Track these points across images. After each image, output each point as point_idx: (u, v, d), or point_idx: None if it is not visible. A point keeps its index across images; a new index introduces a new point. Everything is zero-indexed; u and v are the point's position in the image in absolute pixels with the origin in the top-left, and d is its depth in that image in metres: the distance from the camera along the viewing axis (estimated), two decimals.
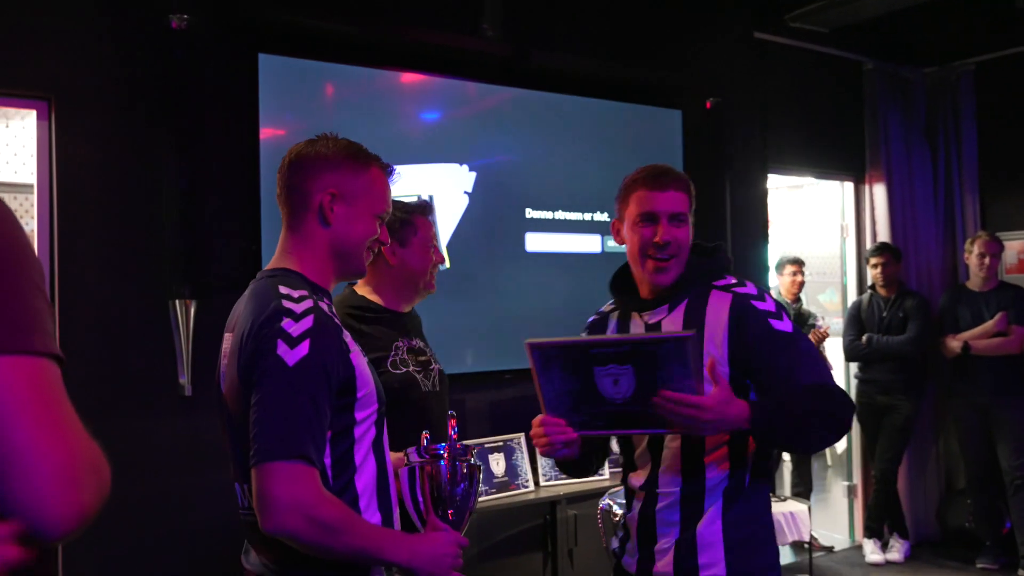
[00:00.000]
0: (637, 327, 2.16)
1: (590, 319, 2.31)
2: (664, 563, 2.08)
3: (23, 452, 0.91)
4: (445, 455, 1.88)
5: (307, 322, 1.65)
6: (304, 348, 1.64)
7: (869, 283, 5.40)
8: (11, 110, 4.43)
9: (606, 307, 2.29)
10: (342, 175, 1.82)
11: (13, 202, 5.11)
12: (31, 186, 3.47)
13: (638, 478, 2.14)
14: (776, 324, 2.07)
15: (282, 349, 1.63)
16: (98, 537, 3.26)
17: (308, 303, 1.69)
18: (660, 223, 2.10)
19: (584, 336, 2.23)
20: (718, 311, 2.08)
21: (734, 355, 2.06)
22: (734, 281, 2.16)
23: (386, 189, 1.87)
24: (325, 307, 1.74)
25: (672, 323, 2.10)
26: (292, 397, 1.62)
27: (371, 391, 1.78)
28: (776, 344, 2.05)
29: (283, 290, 1.71)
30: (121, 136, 3.47)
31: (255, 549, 1.78)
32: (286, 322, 1.65)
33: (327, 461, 1.70)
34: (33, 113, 3.51)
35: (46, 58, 3.36)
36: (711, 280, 2.16)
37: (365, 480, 1.77)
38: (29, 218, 4.40)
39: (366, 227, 1.83)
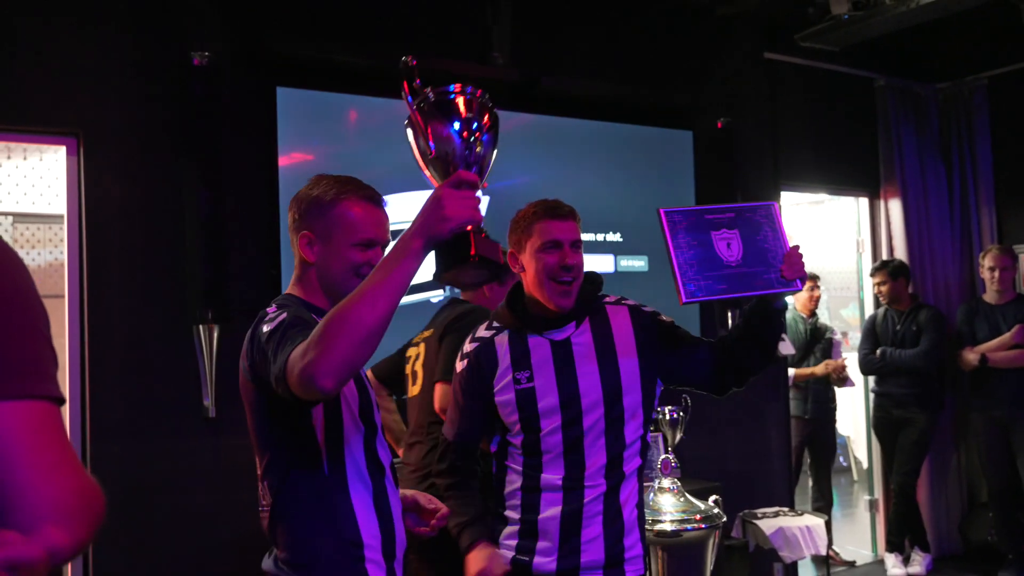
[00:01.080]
0: (540, 346, 2.33)
1: (473, 346, 2.45)
2: (594, 551, 2.30)
3: (24, 490, 1.02)
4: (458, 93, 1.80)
5: (283, 314, 1.79)
6: (281, 316, 1.79)
7: None
8: (43, 146, 4.61)
9: (486, 332, 2.45)
10: (312, 218, 1.96)
11: (48, 231, 5.27)
12: (62, 216, 3.62)
13: (555, 477, 2.31)
14: (664, 316, 2.46)
15: (264, 326, 1.79)
16: (126, 554, 3.40)
17: (288, 309, 1.84)
18: (564, 249, 2.32)
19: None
20: (621, 322, 2.40)
21: (644, 359, 2.39)
22: (615, 297, 2.50)
23: (362, 217, 1.97)
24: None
25: (581, 337, 2.32)
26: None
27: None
28: (675, 329, 2.44)
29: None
30: (146, 169, 3.64)
31: (274, 546, 1.93)
32: (268, 311, 1.83)
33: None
34: (63, 149, 3.69)
35: (75, 96, 3.55)
36: (599, 298, 2.46)
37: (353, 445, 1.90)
38: (60, 248, 4.55)
39: (344, 260, 1.95)
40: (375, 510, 1.91)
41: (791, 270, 2.32)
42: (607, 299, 2.48)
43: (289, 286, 2.02)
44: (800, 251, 2.34)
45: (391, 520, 1.94)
